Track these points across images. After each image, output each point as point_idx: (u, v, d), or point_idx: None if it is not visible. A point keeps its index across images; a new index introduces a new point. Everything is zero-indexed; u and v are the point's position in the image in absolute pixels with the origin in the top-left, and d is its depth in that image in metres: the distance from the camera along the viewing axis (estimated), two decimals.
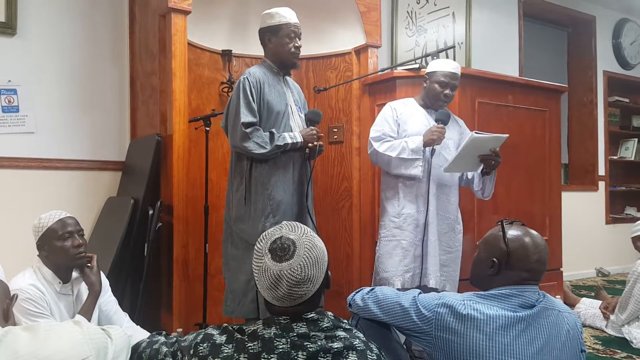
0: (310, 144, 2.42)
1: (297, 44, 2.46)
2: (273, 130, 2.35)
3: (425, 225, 2.54)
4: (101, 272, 2.01)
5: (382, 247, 2.62)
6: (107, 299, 2.06)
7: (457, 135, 2.70)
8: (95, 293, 1.91)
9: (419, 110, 2.68)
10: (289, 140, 2.37)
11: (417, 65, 3.11)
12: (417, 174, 2.51)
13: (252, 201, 2.38)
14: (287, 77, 2.58)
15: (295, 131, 2.44)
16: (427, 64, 2.84)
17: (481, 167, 2.59)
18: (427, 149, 2.51)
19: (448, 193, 2.64)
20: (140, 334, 1.94)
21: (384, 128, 2.61)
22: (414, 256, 2.55)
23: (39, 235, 1.90)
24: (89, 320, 1.84)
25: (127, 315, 2.16)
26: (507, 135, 2.49)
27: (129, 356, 1.37)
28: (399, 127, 2.62)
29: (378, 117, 2.69)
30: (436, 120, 2.58)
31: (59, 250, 1.87)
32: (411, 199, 2.58)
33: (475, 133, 2.41)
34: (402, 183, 2.60)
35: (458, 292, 2.53)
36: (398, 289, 2.24)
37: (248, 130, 2.30)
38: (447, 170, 2.54)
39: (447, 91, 2.61)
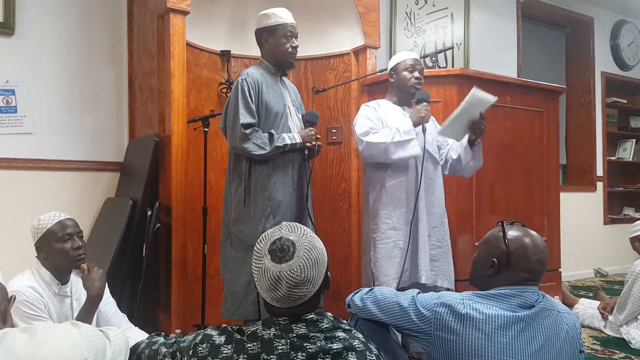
0: (308, 144, 2.42)
1: (293, 44, 2.46)
2: (272, 131, 2.35)
3: (416, 220, 2.51)
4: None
5: (378, 250, 2.55)
6: (106, 300, 2.04)
7: (434, 130, 2.68)
8: (91, 298, 1.86)
9: (394, 109, 2.67)
10: (288, 141, 2.37)
11: None
12: (418, 152, 2.47)
13: (251, 202, 2.37)
14: (284, 78, 2.59)
15: (293, 132, 2.44)
16: (426, 64, 2.83)
17: (466, 137, 2.56)
18: (419, 129, 2.48)
19: (434, 187, 2.62)
20: (139, 335, 1.93)
21: (369, 124, 2.57)
22: (408, 255, 2.52)
23: (38, 237, 1.89)
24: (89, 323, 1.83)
25: (126, 316, 2.15)
26: (496, 98, 2.47)
27: (127, 357, 1.36)
28: (382, 123, 2.59)
29: (358, 117, 2.64)
30: (418, 101, 2.56)
31: (58, 252, 1.86)
32: (400, 197, 2.55)
33: (476, 88, 2.38)
34: (389, 182, 2.56)
35: (456, 291, 2.52)
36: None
37: (247, 131, 2.30)
38: (441, 132, 2.53)
39: (416, 74, 2.61)
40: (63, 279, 1.92)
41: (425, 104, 2.52)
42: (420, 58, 3.33)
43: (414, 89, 2.62)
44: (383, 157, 2.52)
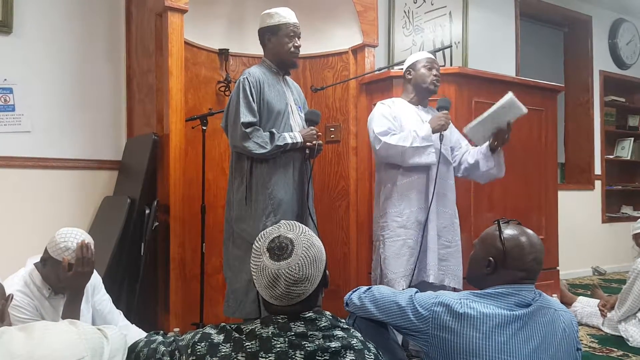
0: (309, 143, 2.42)
1: (296, 44, 2.47)
2: (273, 130, 2.36)
3: (426, 220, 2.52)
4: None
5: (387, 248, 2.56)
6: (101, 297, 2.04)
7: (448, 131, 2.69)
8: (69, 294, 1.80)
9: (409, 108, 2.67)
10: (289, 140, 2.38)
11: None
12: (433, 160, 2.49)
13: (252, 201, 2.38)
14: (287, 77, 2.59)
15: (295, 131, 2.45)
16: None
17: (487, 144, 2.56)
18: (435, 136, 2.49)
19: (445, 188, 2.63)
20: (136, 333, 1.93)
21: (387, 123, 2.57)
22: (418, 253, 2.53)
23: (51, 255, 1.80)
24: (77, 319, 1.81)
25: (122, 313, 2.15)
26: (527, 110, 2.46)
27: (125, 356, 1.36)
28: (397, 122, 2.60)
29: (375, 115, 2.64)
30: (438, 108, 2.57)
31: (59, 276, 1.81)
32: (412, 196, 2.56)
33: (512, 94, 2.38)
34: (401, 180, 2.57)
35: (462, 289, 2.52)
36: (404, 289, 2.23)
37: (248, 130, 2.30)
38: (468, 130, 2.51)
39: (434, 71, 2.62)
40: (54, 290, 1.89)
41: (446, 111, 2.54)
42: None
43: (433, 85, 2.64)
44: (399, 159, 2.53)
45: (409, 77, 2.68)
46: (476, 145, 2.64)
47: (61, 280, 1.80)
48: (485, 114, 2.43)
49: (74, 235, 1.82)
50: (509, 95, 2.37)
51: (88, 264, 1.80)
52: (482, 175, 2.66)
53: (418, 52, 2.75)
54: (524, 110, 2.43)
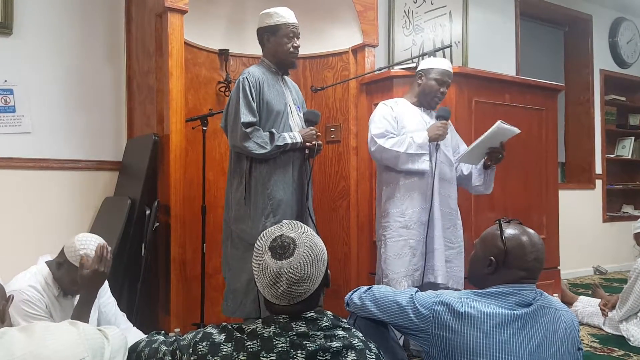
0: (308, 144, 2.42)
1: (295, 44, 2.47)
2: (273, 130, 2.36)
3: (430, 221, 2.53)
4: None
5: (389, 248, 2.57)
6: (106, 300, 2.04)
7: (449, 135, 2.70)
8: (81, 296, 1.81)
9: (412, 109, 2.68)
10: (289, 140, 2.38)
11: (414, 65, 3.11)
12: (426, 168, 2.52)
13: (252, 201, 2.38)
14: (286, 77, 2.59)
15: (294, 131, 2.45)
16: None
17: (482, 162, 2.62)
18: (432, 144, 2.53)
19: (448, 188, 2.64)
20: (137, 336, 1.92)
21: (385, 125, 2.58)
22: (421, 254, 2.54)
23: (67, 259, 1.81)
24: (86, 322, 1.81)
25: (125, 315, 2.15)
26: (519, 130, 2.51)
27: (125, 356, 1.36)
28: (397, 124, 2.61)
29: (375, 115, 2.65)
30: (437, 117, 2.59)
31: (74, 280, 1.81)
32: (414, 196, 2.56)
33: (501, 122, 2.43)
34: (403, 181, 2.58)
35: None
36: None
37: (248, 130, 2.30)
38: (461, 160, 2.61)
39: (443, 89, 2.63)
40: (65, 292, 1.90)
41: (444, 121, 2.56)
42: (419, 56, 3.34)
43: (435, 103, 2.67)
44: (392, 163, 2.56)
45: (419, 81, 2.68)
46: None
47: (77, 282, 1.80)
48: (473, 144, 2.52)
49: (93, 242, 1.84)
50: (497, 124, 2.42)
51: (106, 264, 1.83)
52: (471, 188, 2.75)
53: (439, 59, 2.74)
54: (516, 130, 2.48)
